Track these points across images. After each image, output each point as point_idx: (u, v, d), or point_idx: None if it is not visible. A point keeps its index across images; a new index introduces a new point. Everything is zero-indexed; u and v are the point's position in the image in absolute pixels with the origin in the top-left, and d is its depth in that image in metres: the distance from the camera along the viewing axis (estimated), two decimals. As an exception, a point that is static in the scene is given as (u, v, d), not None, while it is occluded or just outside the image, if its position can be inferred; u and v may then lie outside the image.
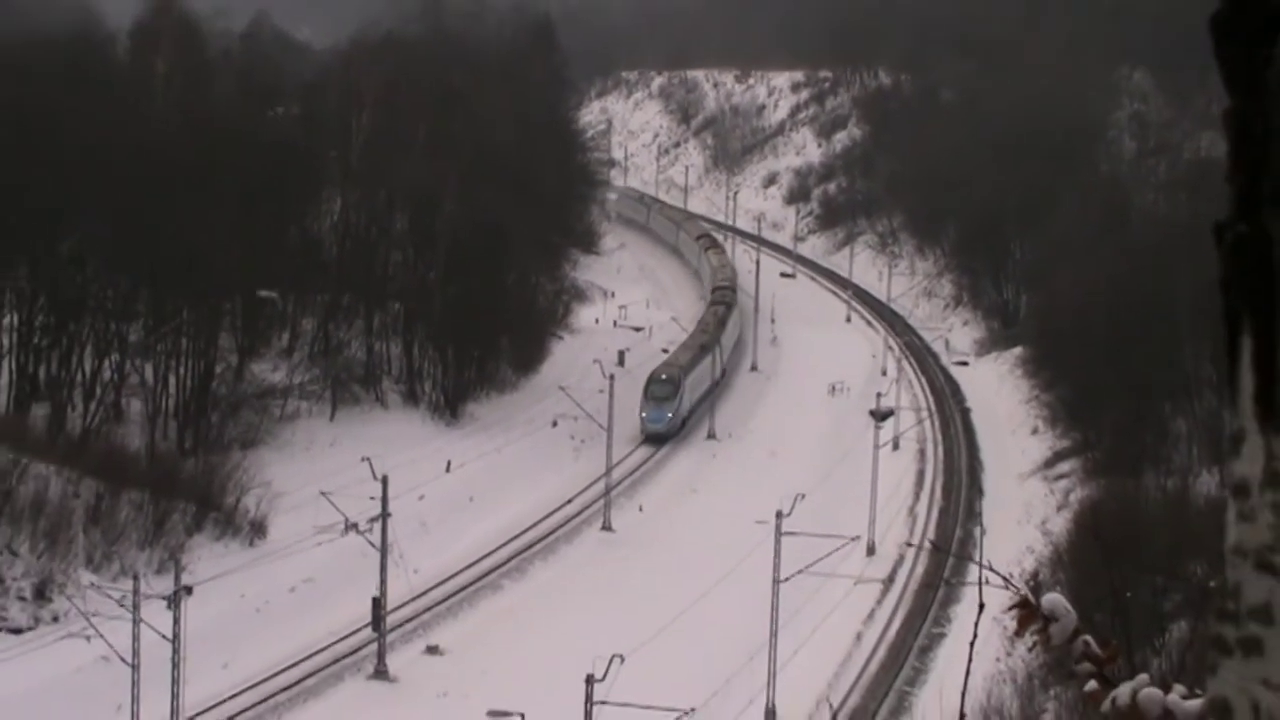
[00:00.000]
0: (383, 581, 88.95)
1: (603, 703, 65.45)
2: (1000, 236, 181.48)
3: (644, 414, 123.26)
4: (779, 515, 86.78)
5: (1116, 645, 5.57)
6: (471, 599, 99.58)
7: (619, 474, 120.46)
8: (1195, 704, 4.87)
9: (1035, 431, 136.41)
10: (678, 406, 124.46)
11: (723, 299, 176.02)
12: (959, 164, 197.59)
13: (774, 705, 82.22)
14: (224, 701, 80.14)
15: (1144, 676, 5.11)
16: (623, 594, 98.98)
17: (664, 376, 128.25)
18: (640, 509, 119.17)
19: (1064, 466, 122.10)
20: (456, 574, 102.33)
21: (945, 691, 77.95)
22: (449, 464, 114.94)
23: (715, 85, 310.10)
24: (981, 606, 7.45)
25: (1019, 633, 5.65)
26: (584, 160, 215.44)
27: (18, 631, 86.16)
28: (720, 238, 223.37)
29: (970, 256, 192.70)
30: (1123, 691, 5.03)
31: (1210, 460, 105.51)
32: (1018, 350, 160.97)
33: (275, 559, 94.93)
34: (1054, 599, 5.64)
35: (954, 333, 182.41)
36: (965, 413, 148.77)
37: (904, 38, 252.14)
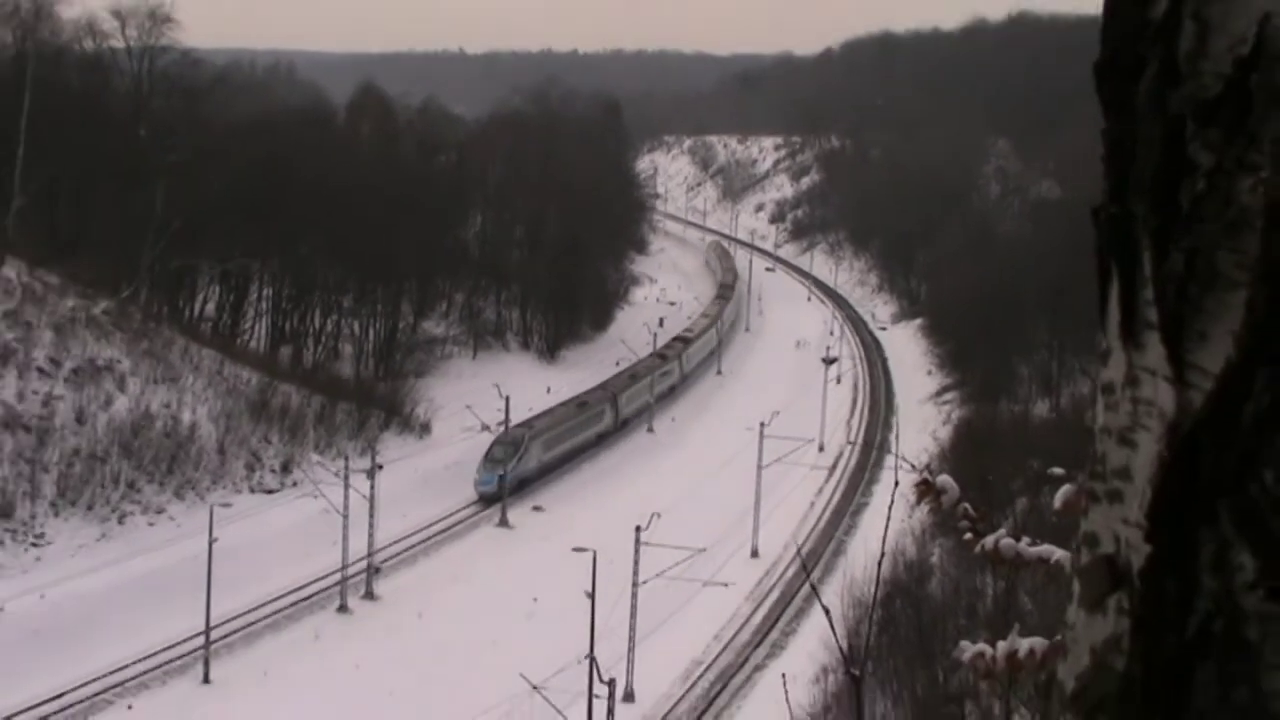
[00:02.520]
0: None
1: (646, 544, 63.13)
2: (908, 247, 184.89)
3: (476, 474, 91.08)
4: (761, 425, 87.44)
5: (984, 510, 5.57)
6: (562, 475, 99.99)
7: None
8: (1035, 549, 5.22)
9: (929, 373, 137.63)
10: (513, 468, 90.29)
11: (728, 286, 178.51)
12: (882, 199, 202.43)
13: (757, 547, 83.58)
14: (403, 538, 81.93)
15: (1002, 530, 5.36)
16: (661, 473, 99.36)
17: (508, 439, 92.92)
18: (673, 420, 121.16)
19: (947, 396, 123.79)
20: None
21: (868, 540, 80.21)
22: (549, 388, 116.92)
23: (724, 145, 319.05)
24: (896, 484, 6.67)
25: (919, 501, 5.56)
26: (638, 194, 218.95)
27: (271, 492, 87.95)
28: (727, 245, 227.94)
29: (888, 259, 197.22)
30: (989, 540, 5.29)
31: (1041, 394, 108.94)
32: (919, 320, 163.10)
33: (436, 448, 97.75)
34: (944, 479, 5.62)
35: (877, 309, 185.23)
36: (884, 360, 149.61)
37: (848, 116, 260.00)
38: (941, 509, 5.40)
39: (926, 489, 5.42)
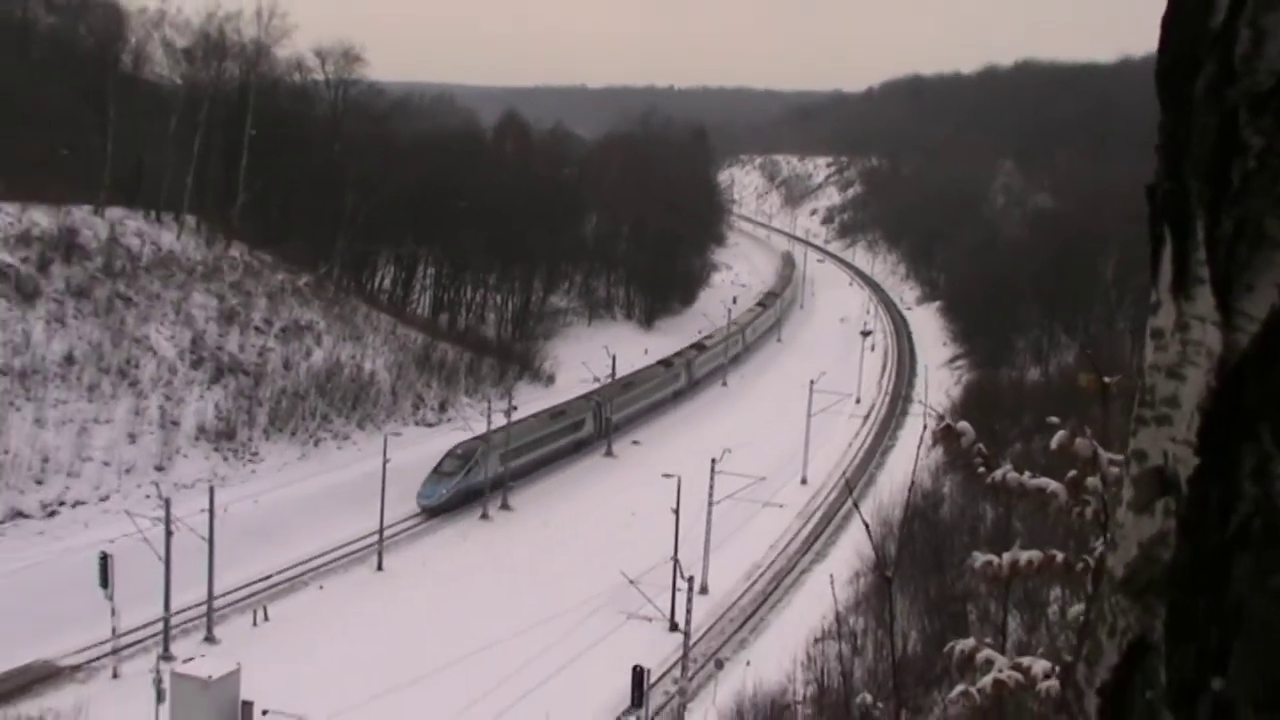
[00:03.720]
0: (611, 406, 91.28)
1: (720, 472, 61.92)
2: (930, 245, 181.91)
3: (421, 487, 71.80)
4: (811, 381, 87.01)
5: (993, 451, 5.48)
6: (655, 417, 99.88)
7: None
8: (1033, 481, 5.04)
9: (945, 344, 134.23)
10: (459, 481, 71.98)
11: (786, 275, 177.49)
12: (910, 207, 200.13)
13: (806, 477, 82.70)
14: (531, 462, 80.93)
15: (1008, 466, 5.26)
16: (734, 415, 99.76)
17: (459, 452, 74.15)
18: (741, 377, 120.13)
19: (959, 363, 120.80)
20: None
21: (893, 474, 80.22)
22: (646, 350, 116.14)
23: (787, 163, 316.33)
24: (925, 427, 6.29)
25: (941, 442, 5.41)
26: (718, 199, 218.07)
27: (431, 425, 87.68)
28: (787, 242, 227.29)
29: (914, 254, 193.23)
30: (997, 474, 5.21)
31: (1034, 363, 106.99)
32: (937, 303, 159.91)
33: (558, 395, 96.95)
34: (963, 424, 5.48)
35: (905, 293, 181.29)
36: (909, 334, 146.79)
37: (885, 141, 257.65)
38: (961, 448, 5.28)
39: (949, 432, 5.39)
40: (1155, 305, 1.51)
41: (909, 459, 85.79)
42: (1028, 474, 5.19)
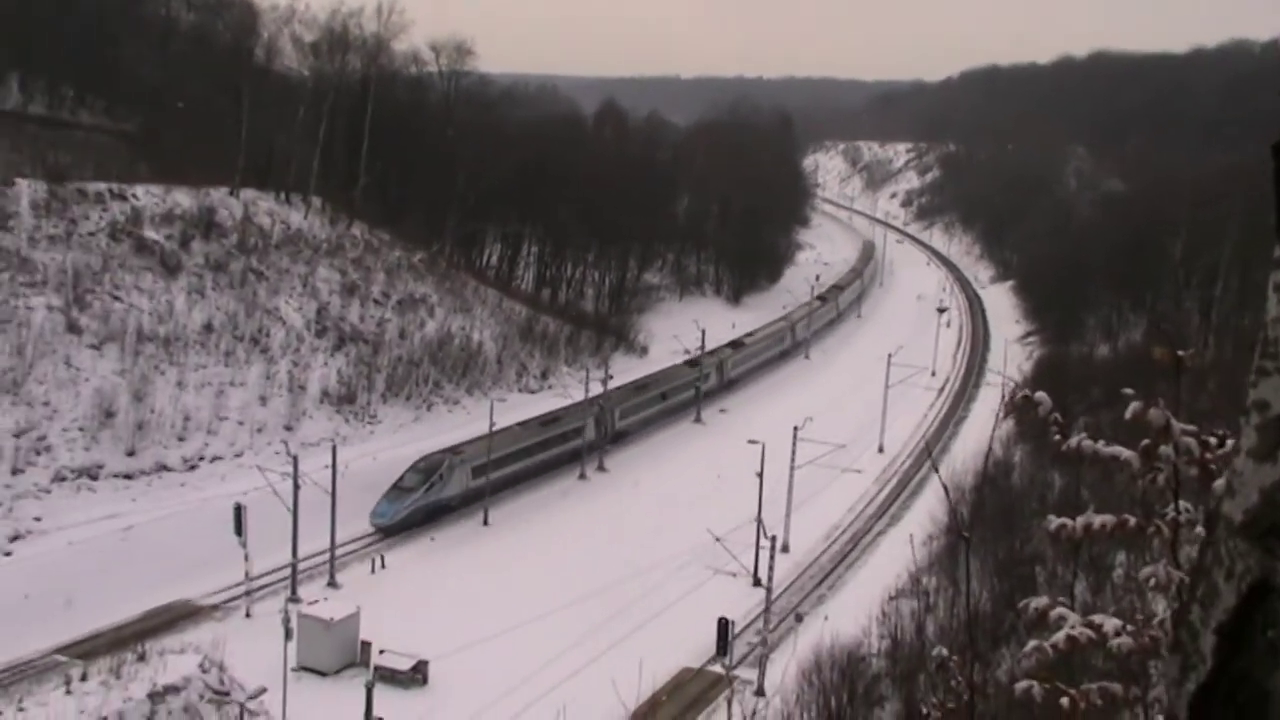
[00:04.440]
0: (701, 378, 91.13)
1: (802, 439, 61.14)
2: (1004, 227, 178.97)
3: (377, 503, 60.35)
4: (889, 355, 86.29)
5: (1066, 421, 5.34)
6: (743, 386, 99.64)
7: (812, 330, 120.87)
8: (1107, 449, 4.93)
9: (1017, 321, 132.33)
10: (419, 499, 60.89)
11: (867, 254, 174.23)
12: (986, 191, 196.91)
13: (883, 445, 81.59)
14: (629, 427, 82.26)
15: (1083, 434, 5.12)
16: (815, 387, 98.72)
17: (422, 465, 63.14)
18: (824, 351, 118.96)
19: (1030, 339, 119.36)
20: (741, 375, 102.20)
21: (966, 443, 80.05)
22: (733, 324, 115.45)
23: (868, 148, 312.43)
24: (1003, 398, 7.40)
25: (1019, 409, 5.24)
26: (803, 183, 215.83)
27: (533, 392, 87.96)
28: (868, 224, 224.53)
29: (989, 235, 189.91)
30: (1072, 440, 5.10)
31: (1103, 340, 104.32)
32: (1010, 282, 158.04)
33: (651, 364, 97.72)
34: (1040, 394, 5.31)
35: (979, 272, 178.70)
36: (983, 311, 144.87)
37: (962, 128, 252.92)
38: (1039, 416, 5.27)
39: (1027, 401, 5.41)
40: (1278, 260, 1.48)
41: (981, 430, 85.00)
42: (1101, 442, 5.12)
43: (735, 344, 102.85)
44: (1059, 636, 4.93)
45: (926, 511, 62.17)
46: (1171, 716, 1.40)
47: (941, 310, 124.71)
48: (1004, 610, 38.54)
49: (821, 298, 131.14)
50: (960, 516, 41.86)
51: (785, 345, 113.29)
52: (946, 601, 45.96)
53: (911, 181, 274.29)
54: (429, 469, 62.73)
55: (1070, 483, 51.94)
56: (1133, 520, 5.12)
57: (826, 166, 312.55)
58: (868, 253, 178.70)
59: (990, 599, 41.90)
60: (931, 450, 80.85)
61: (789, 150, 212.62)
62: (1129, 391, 5.11)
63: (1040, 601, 5.28)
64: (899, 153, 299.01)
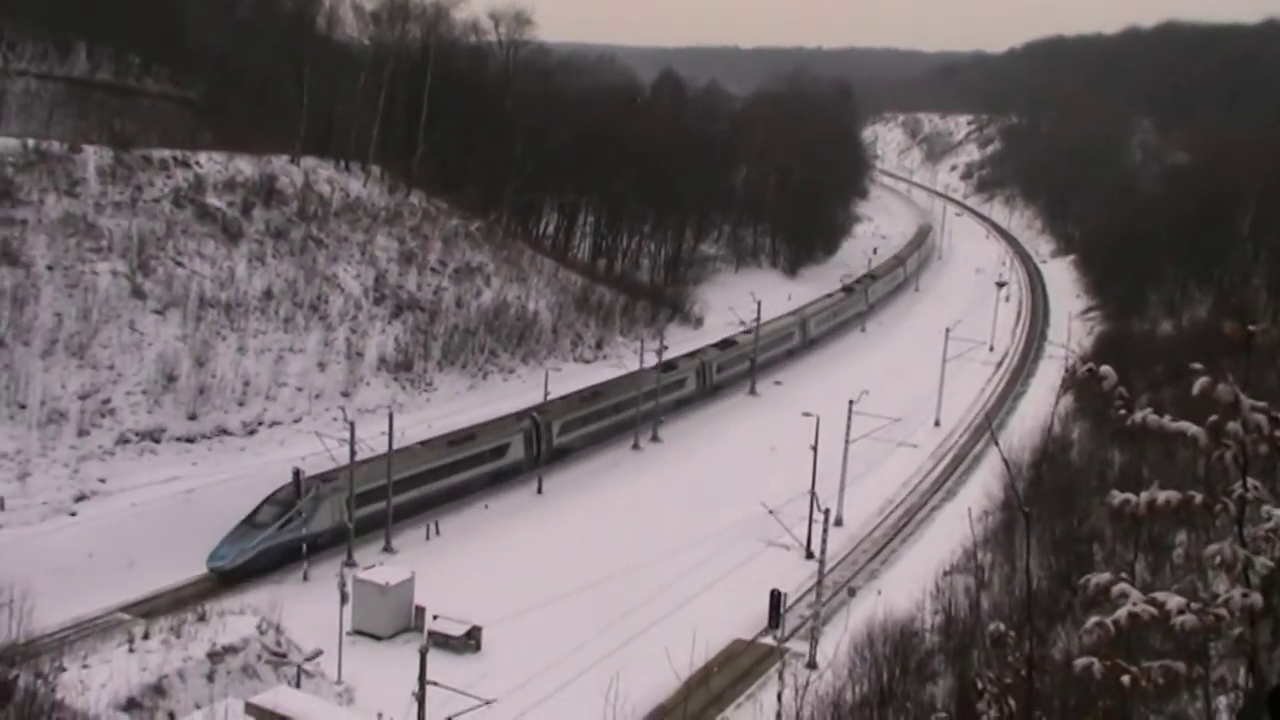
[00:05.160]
0: (755, 347, 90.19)
1: (857, 412, 61.15)
2: (1066, 199, 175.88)
3: (220, 543, 49.87)
4: (946, 329, 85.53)
5: (1131, 396, 5.27)
6: (798, 360, 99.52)
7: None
8: (1174, 424, 4.91)
9: (1078, 296, 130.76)
10: (268, 539, 50.39)
11: (925, 226, 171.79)
12: (1048, 163, 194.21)
13: (939, 419, 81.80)
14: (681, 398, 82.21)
15: (1149, 410, 5.05)
16: (870, 361, 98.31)
17: (279, 496, 52.49)
18: (880, 324, 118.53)
19: (1091, 314, 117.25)
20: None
21: (1024, 419, 78.19)
22: (789, 296, 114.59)
23: (928, 120, 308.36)
24: (1067, 371, 6.09)
25: (1082, 383, 5.19)
26: (862, 154, 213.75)
27: (588, 362, 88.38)
28: (927, 197, 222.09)
29: (1050, 208, 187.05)
30: (1138, 415, 5.07)
31: (1166, 316, 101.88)
32: (1071, 256, 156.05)
33: (706, 335, 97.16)
34: (1106, 368, 5.24)
35: (1040, 246, 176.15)
36: (1043, 286, 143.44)
37: (1025, 99, 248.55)
38: (1103, 390, 5.25)
39: (1092, 375, 5.37)
40: None
41: (1039, 406, 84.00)
42: (1167, 418, 5.11)
43: (725, 343, 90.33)
44: (1121, 613, 4.87)
45: (982, 487, 61.55)
46: (1262, 680, 1.41)
47: (1001, 284, 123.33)
48: (1060, 588, 38.23)
49: (848, 288, 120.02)
50: (1017, 493, 41.27)
51: (794, 344, 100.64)
52: (1002, 578, 45.59)
53: (972, 154, 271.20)
54: (288, 500, 52.18)
55: (1131, 460, 51.26)
56: (1199, 497, 5.04)
57: (886, 138, 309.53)
58: (924, 229, 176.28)
59: (1046, 577, 41.51)
60: (992, 420, 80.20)
61: (848, 121, 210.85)
62: (1198, 366, 5.04)
63: (1101, 577, 5.22)
64: (960, 125, 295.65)
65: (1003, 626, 8.15)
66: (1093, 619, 5.12)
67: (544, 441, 66.43)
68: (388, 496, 54.57)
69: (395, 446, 54.86)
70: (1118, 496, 5.19)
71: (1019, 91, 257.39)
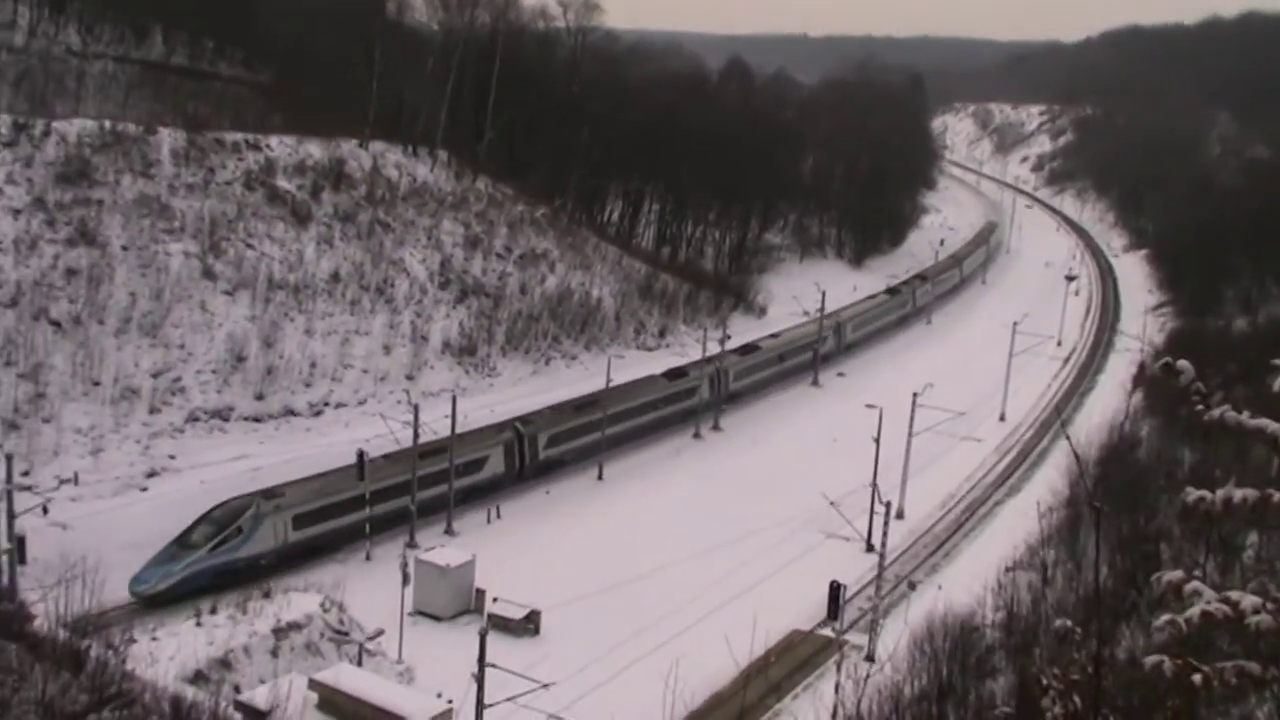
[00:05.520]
0: (820, 338, 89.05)
1: (921, 405, 59.81)
2: (1140, 193, 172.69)
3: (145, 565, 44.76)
4: (1014, 323, 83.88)
5: (1208, 391, 5.13)
6: (862, 350, 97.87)
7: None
8: (1254, 421, 4.80)
9: (1150, 291, 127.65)
10: (200, 561, 45.38)
11: (990, 225, 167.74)
12: (1122, 155, 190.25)
13: (1005, 413, 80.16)
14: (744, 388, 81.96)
15: (1226, 406, 4.99)
16: (935, 354, 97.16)
17: (216, 514, 47.54)
18: (946, 315, 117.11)
19: (1163, 310, 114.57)
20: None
21: (1091, 415, 77.71)
22: (855, 287, 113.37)
23: (999, 110, 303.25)
24: (1141, 366, 6.78)
25: (1158, 378, 7.13)
26: (930, 145, 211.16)
27: (651, 349, 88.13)
28: (997, 188, 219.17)
29: (1123, 202, 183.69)
30: (1215, 412, 5.03)
31: (1241, 312, 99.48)
32: (1144, 250, 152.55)
33: (770, 325, 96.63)
34: (1183, 362, 5.13)
35: (1112, 240, 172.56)
36: (1115, 280, 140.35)
37: (1100, 90, 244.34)
38: (1180, 385, 5.14)
39: (1167, 369, 5.29)
40: None
41: (1107, 403, 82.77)
42: (1245, 414, 5.03)
43: (746, 349, 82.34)
44: (1193, 612, 4.80)
45: (1047, 484, 60.77)
46: None
47: (1070, 278, 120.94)
48: (1125, 587, 37.65)
49: (893, 290, 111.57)
50: (1084, 489, 40.58)
51: (828, 349, 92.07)
52: (1065, 575, 44.98)
53: (1044, 145, 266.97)
54: (224, 519, 47.49)
55: (1202, 458, 50.27)
56: (1278, 495, 4.93)
57: (955, 128, 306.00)
58: (988, 227, 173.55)
59: (1112, 575, 40.88)
60: (1062, 416, 78.95)
61: (917, 111, 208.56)
62: (1278, 363, 4.93)
63: (1174, 575, 5.15)
64: (1031, 115, 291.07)
65: (1069, 623, 8.07)
66: (1164, 617, 5.06)
67: (528, 455, 61.48)
68: (361, 509, 50.66)
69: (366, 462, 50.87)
70: (1192, 493, 5.12)
71: (1093, 82, 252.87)
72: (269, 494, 49.48)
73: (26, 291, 56.04)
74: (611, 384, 65.93)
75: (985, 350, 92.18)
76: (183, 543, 46.19)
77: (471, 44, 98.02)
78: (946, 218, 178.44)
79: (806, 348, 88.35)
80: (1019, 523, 57.93)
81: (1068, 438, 68.69)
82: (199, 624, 38.37)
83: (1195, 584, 4.91)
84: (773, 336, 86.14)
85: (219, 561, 46.16)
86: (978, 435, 70.73)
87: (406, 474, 52.81)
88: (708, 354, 76.96)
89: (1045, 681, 6.73)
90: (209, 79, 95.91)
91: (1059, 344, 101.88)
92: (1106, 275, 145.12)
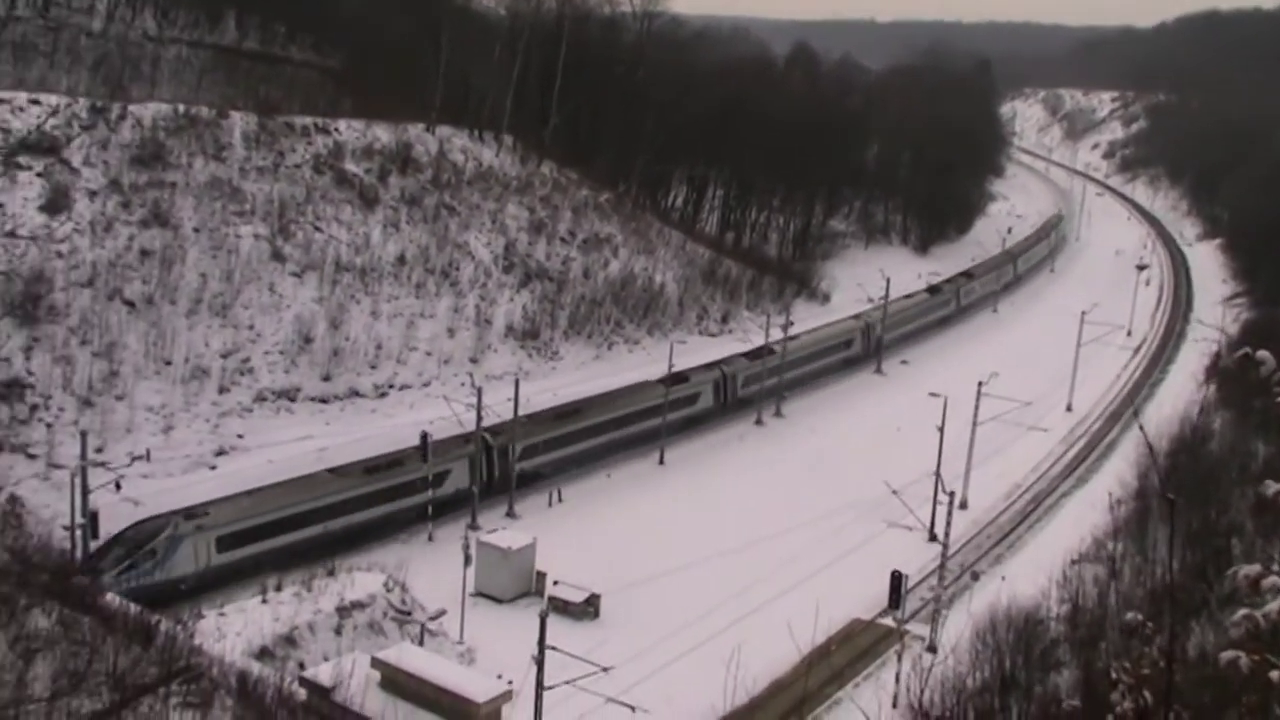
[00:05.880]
0: (883, 325, 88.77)
1: (986, 394, 58.83)
2: (1214, 180, 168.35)
3: None
4: (1082, 312, 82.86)
5: None
6: (923, 339, 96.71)
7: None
8: None
9: (1224, 281, 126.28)
10: (109, 586, 35.28)
11: (1053, 218, 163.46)
12: (1197, 142, 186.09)
13: (1072, 404, 79.18)
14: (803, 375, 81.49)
15: None
16: (1000, 343, 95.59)
17: (128, 534, 42.69)
18: (1012, 304, 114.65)
19: (1238, 301, 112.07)
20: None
21: (1161, 406, 76.45)
22: (920, 274, 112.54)
23: (1070, 96, 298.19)
24: (1218, 355, 6.39)
25: (1235, 369, 6.35)
26: (999, 131, 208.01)
27: (713, 335, 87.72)
28: (1066, 176, 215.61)
29: (1197, 190, 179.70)
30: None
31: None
32: (1218, 240, 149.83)
33: (833, 312, 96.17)
34: (1263, 353, 4.99)
35: (1185, 229, 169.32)
36: (1187, 270, 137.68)
37: (1174, 76, 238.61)
38: (1262, 375, 4.99)
39: (1247, 360, 5.15)
40: None
41: (1178, 394, 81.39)
42: (1329, 406, 4.94)
43: (758, 352, 74.91)
44: (1271, 607, 4.68)
45: (1115, 475, 59.92)
46: None
47: (1141, 267, 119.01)
48: (1195, 582, 37.01)
49: (934, 289, 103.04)
50: (1149, 483, 39.93)
51: (852, 352, 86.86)
52: (1133, 569, 44.30)
53: (1115, 132, 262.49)
54: (138, 540, 43.23)
55: (1278, 452, 49.29)
56: (1361, 490, 4.79)
57: (1025, 115, 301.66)
58: (1050, 221, 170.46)
59: (1182, 570, 40.20)
60: (1137, 407, 77.71)
61: (986, 97, 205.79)
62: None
63: (1251, 569, 5.02)
64: (1103, 102, 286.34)
65: (1140, 616, 7.91)
66: (1240, 611, 4.92)
67: (498, 468, 56.46)
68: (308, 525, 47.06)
69: (297, 475, 49.01)
70: (1272, 486, 5.00)
71: (1168, 68, 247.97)
72: (190, 513, 44.89)
73: (102, 272, 57.05)
74: (604, 390, 64.09)
75: (1052, 340, 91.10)
76: (89, 565, 39.65)
77: (538, 29, 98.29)
78: (1014, 205, 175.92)
79: (832, 350, 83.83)
80: (1085, 515, 57.33)
81: (1141, 428, 67.52)
82: (265, 601, 38.92)
83: (1274, 579, 4.77)
84: (793, 339, 77.90)
85: (128, 587, 38.88)
86: (1044, 425, 69.93)
87: (354, 489, 49.57)
88: (717, 357, 73.97)
89: (1115, 676, 6.58)
90: (280, 63, 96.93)
91: (1129, 334, 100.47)
92: (1179, 264, 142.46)
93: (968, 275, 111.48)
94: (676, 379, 68.12)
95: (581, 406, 62.94)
